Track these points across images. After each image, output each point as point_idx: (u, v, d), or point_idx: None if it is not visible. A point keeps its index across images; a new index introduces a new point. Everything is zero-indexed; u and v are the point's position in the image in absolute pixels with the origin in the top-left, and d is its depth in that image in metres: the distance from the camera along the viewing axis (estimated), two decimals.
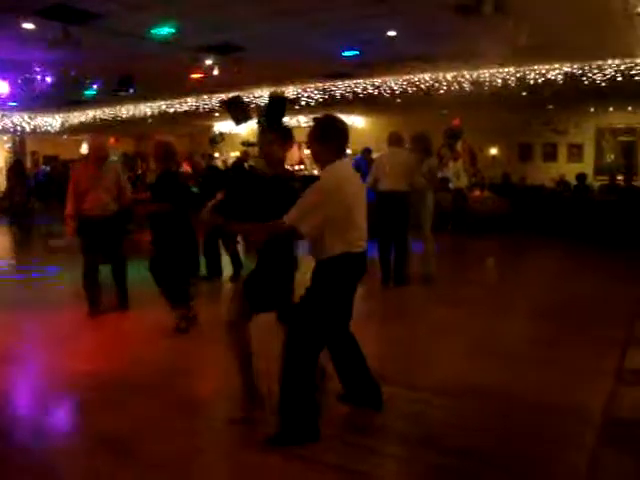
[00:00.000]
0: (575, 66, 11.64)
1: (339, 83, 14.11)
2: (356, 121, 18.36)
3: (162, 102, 16.76)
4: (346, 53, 10.56)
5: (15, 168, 16.18)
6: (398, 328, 5.87)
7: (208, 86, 13.14)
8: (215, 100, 15.72)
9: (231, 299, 3.71)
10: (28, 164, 19.71)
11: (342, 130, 3.48)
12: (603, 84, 11.58)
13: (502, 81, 12.30)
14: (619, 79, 11.39)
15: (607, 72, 11.44)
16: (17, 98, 14.23)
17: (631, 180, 13.25)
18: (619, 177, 13.91)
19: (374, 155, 11.55)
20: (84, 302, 6.31)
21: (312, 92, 14.65)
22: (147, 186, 6.10)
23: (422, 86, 13.23)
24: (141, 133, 21.90)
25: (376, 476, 3.17)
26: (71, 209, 6.25)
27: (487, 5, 7.02)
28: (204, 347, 5.28)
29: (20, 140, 21.34)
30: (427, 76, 13.08)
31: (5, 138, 21.74)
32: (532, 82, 12.09)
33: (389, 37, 9.23)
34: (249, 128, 16.22)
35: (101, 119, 18.37)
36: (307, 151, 19.86)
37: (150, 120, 17.91)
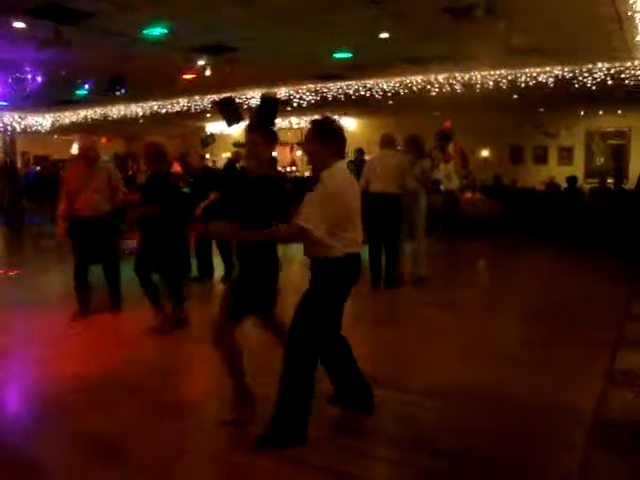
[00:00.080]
0: (566, 69, 11.69)
1: (331, 85, 14.11)
2: (348, 123, 18.39)
3: (154, 102, 16.69)
4: (338, 55, 10.56)
5: (5, 168, 16.10)
6: (389, 330, 5.87)
7: (200, 87, 13.11)
8: (207, 101, 15.68)
9: (220, 303, 3.70)
10: (19, 164, 19.57)
11: (341, 132, 3.50)
12: (593, 88, 11.65)
13: (494, 84, 12.34)
14: (609, 83, 11.46)
15: (597, 76, 11.51)
16: (7, 98, 14.13)
17: (621, 183, 13.34)
18: (609, 180, 13.99)
19: (366, 157, 11.58)
20: (76, 302, 6.27)
21: (304, 93, 14.64)
22: (137, 187, 6.07)
23: (414, 88, 13.24)
24: (132, 133, 21.83)
25: (367, 478, 3.16)
26: (63, 209, 6.22)
27: (479, 8, 7.04)
28: (195, 348, 5.26)
29: (10, 140, 21.20)
30: (419, 78, 13.09)
31: None
32: (523, 85, 12.14)
33: (381, 39, 9.24)
34: (241, 129, 16.18)
35: (92, 119, 18.27)
36: (299, 152, 19.92)
37: (141, 120, 17.84)
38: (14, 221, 15.19)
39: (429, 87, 13.04)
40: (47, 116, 19.39)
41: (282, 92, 14.53)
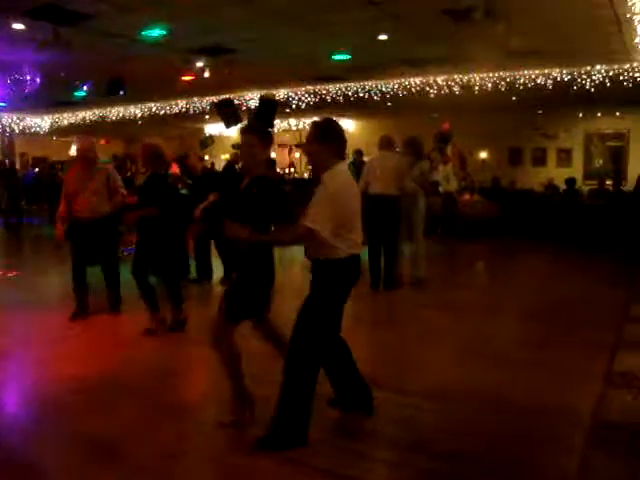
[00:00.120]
0: (564, 72, 11.73)
1: (330, 86, 14.12)
2: (346, 124, 18.40)
3: (152, 104, 16.70)
4: (337, 56, 10.58)
5: (3, 169, 16.09)
6: (388, 332, 5.87)
7: (199, 88, 13.11)
8: (206, 102, 15.69)
9: (219, 305, 3.69)
10: (17, 165, 19.56)
11: (341, 133, 3.50)
12: (592, 90, 11.68)
13: (492, 86, 12.37)
14: (607, 85, 11.49)
15: (596, 78, 11.54)
16: (6, 99, 14.12)
17: (620, 185, 13.35)
18: (608, 182, 14.01)
19: (365, 158, 11.60)
20: (74, 303, 6.26)
21: (303, 95, 14.65)
22: (136, 188, 6.06)
23: (413, 90, 13.27)
24: (131, 135, 21.83)
25: None
26: (63, 211, 6.23)
27: (477, 10, 7.05)
28: (194, 350, 5.26)
29: (9, 141, 21.19)
30: (418, 80, 13.12)
31: None
32: (522, 87, 12.17)
33: (380, 41, 9.25)
34: (239, 131, 16.19)
35: (91, 120, 18.27)
36: (298, 154, 19.90)
37: (140, 122, 17.85)
38: (13, 222, 15.19)
39: (428, 89, 13.07)
40: (46, 117, 19.39)
41: (281, 94, 14.55)
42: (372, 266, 7.45)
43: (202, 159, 11.55)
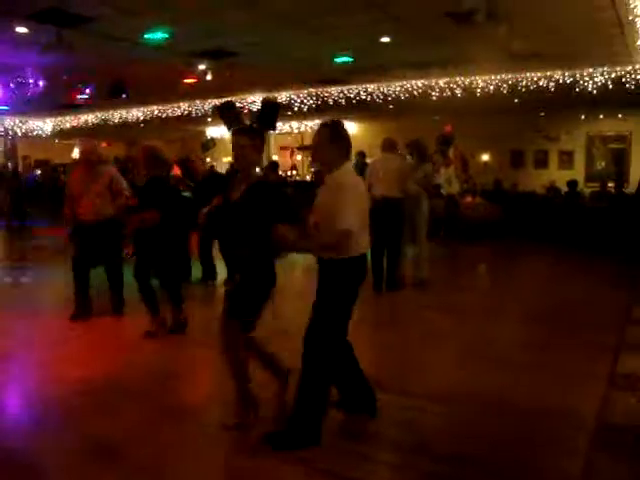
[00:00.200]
0: (566, 74, 11.73)
1: (332, 89, 14.14)
2: (349, 127, 18.35)
3: (154, 107, 16.73)
4: (339, 59, 10.59)
5: (6, 172, 16.13)
6: (391, 333, 5.87)
7: (201, 91, 13.14)
8: (207, 105, 15.71)
9: (223, 310, 3.69)
10: (20, 168, 19.60)
11: (347, 133, 3.57)
12: (594, 92, 11.68)
13: (494, 88, 12.37)
14: (610, 87, 11.49)
15: (598, 80, 11.54)
16: (9, 102, 14.16)
17: (622, 187, 13.34)
18: (610, 184, 14.00)
19: (367, 160, 11.61)
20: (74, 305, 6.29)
21: (305, 98, 14.67)
22: (136, 191, 6.06)
23: (415, 92, 13.28)
24: (133, 138, 21.85)
25: None
26: (68, 212, 6.25)
27: (479, 13, 7.06)
28: (196, 352, 5.27)
29: (12, 144, 21.23)
30: (420, 82, 13.14)
31: None
32: (524, 89, 12.18)
33: (382, 43, 9.27)
34: (231, 132, 16.20)
35: (93, 123, 18.31)
36: (299, 157, 19.87)
37: (142, 125, 17.88)
38: (15, 225, 15.21)
39: (430, 91, 13.08)
40: (48, 120, 19.44)
41: (283, 96, 14.57)
42: (375, 268, 7.45)
43: (203, 162, 11.56)
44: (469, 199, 13.34)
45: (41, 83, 10.33)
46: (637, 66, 11.01)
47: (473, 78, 12.49)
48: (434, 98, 13.11)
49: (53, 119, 19.25)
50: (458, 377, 4.60)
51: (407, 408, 4.02)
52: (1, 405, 4.34)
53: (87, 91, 11.95)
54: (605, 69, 11.38)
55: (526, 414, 3.94)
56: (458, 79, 12.65)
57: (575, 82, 11.71)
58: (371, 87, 13.77)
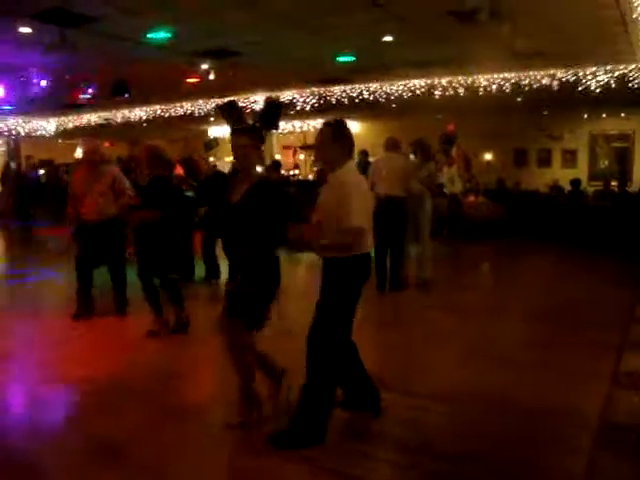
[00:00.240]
0: (570, 73, 11.70)
1: (335, 88, 14.13)
2: (352, 126, 18.34)
3: (157, 106, 16.74)
4: (341, 58, 10.58)
5: (9, 172, 16.16)
6: (394, 333, 5.87)
7: (203, 90, 13.14)
8: (210, 105, 15.72)
9: (222, 308, 3.69)
10: (23, 168, 19.63)
11: (350, 132, 3.58)
12: (597, 91, 11.65)
13: (497, 87, 12.35)
14: (613, 86, 11.46)
15: (601, 79, 11.51)
16: (12, 102, 14.19)
17: (625, 186, 13.32)
18: (613, 183, 13.96)
19: (370, 159, 11.61)
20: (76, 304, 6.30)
21: (307, 97, 14.67)
22: (139, 191, 6.07)
23: (417, 91, 13.27)
24: (136, 137, 21.87)
25: None
26: (71, 212, 6.26)
27: (482, 12, 7.05)
28: (198, 351, 5.27)
29: (15, 144, 21.27)
30: (422, 81, 13.12)
31: (0, 142, 21.69)
32: (527, 88, 12.15)
33: (384, 42, 9.26)
34: (230, 132, 16.21)
35: (96, 123, 18.33)
36: (302, 156, 19.85)
37: (145, 124, 17.89)
38: (19, 225, 15.24)
39: (433, 90, 13.06)
40: (51, 120, 19.46)
41: (285, 96, 14.57)
42: (378, 267, 7.44)
43: (206, 161, 11.55)
44: (472, 198, 13.32)
45: (44, 83, 10.34)
46: None
47: (476, 77, 12.47)
48: (437, 97, 13.09)
49: (56, 119, 19.27)
50: (461, 376, 4.60)
51: (411, 407, 4.02)
52: (3, 405, 4.35)
53: (90, 91, 11.96)
54: (608, 68, 11.34)
55: (529, 413, 3.94)
56: (461, 78, 12.63)
57: (578, 81, 11.68)
58: (374, 86, 13.75)
